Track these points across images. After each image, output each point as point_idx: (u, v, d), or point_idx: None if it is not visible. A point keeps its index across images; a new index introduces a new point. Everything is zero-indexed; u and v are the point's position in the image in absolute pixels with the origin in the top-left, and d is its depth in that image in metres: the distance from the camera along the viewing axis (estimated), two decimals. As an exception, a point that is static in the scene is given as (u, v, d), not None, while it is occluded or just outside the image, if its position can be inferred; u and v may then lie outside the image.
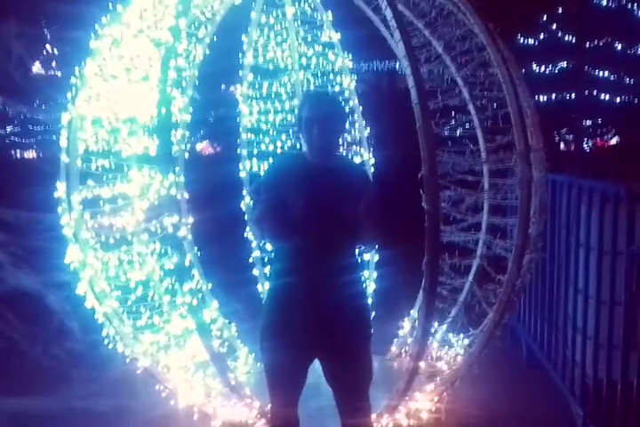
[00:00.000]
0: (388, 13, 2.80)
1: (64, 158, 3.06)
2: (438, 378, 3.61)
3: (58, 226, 3.19)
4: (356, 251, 2.78)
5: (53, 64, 20.18)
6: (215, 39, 4.03)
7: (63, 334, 3.96)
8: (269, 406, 2.78)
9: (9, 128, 24.16)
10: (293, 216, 2.49)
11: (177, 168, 3.68)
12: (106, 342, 3.34)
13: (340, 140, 2.68)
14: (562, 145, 19.96)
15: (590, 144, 20.05)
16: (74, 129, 3.04)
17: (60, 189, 3.10)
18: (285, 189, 2.51)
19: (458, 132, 3.75)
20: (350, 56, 4.44)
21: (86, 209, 3.13)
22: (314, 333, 2.54)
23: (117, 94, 3.05)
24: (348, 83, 4.49)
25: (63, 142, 3.07)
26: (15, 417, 3.49)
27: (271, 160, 4.36)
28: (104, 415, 3.67)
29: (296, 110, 2.72)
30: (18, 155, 25.03)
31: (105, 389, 3.94)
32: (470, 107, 3.57)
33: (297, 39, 4.37)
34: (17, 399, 3.55)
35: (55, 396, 3.83)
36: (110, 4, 3.05)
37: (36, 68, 20.27)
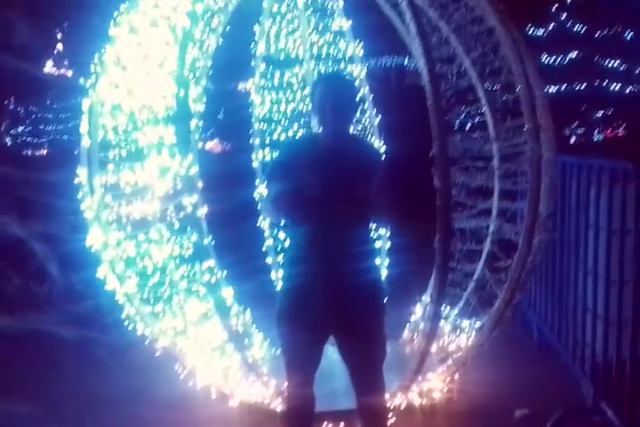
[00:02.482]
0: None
1: (85, 143, 3.14)
2: (450, 359, 3.67)
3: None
4: (371, 236, 2.83)
5: (65, 63, 20.33)
6: (227, 29, 4.08)
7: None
8: (286, 384, 2.85)
9: (20, 128, 24.34)
10: (308, 196, 2.56)
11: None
12: (126, 323, 3.42)
13: (353, 121, 2.73)
14: (572, 139, 19.86)
15: (600, 136, 19.95)
16: (94, 114, 3.12)
17: (82, 174, 3.18)
18: (299, 170, 2.57)
19: (468, 119, 3.79)
20: (361, 44, 4.47)
21: (105, 194, 3.21)
22: (330, 314, 2.59)
23: (134, 82, 3.12)
24: (359, 71, 4.53)
25: (84, 128, 3.16)
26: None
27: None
28: (123, 396, 3.78)
29: (309, 92, 2.77)
30: (29, 153, 25.22)
31: (124, 371, 4.07)
32: (478, 88, 3.61)
33: (308, 28, 4.41)
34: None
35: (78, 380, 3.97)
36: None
37: (48, 67, 20.42)
